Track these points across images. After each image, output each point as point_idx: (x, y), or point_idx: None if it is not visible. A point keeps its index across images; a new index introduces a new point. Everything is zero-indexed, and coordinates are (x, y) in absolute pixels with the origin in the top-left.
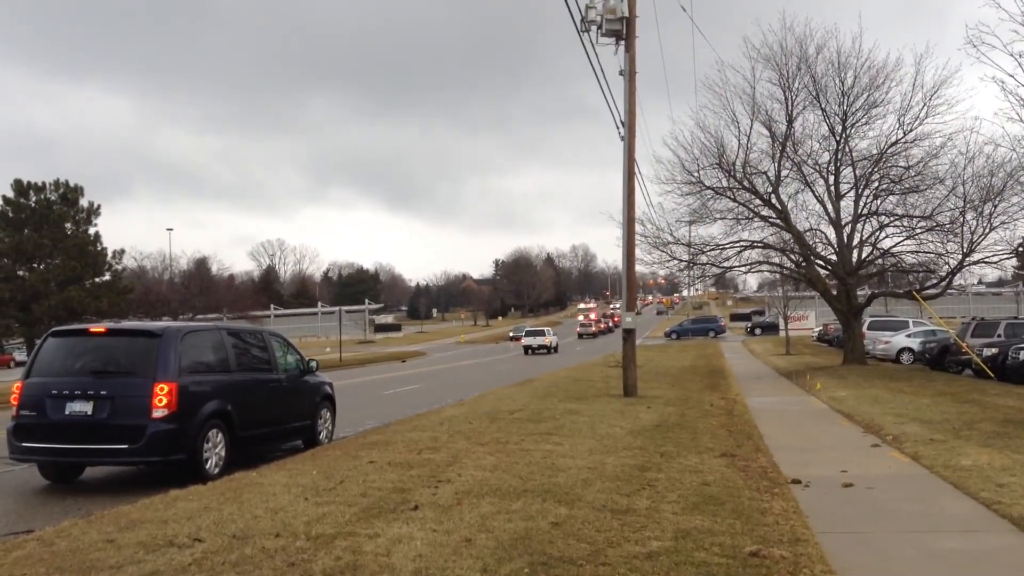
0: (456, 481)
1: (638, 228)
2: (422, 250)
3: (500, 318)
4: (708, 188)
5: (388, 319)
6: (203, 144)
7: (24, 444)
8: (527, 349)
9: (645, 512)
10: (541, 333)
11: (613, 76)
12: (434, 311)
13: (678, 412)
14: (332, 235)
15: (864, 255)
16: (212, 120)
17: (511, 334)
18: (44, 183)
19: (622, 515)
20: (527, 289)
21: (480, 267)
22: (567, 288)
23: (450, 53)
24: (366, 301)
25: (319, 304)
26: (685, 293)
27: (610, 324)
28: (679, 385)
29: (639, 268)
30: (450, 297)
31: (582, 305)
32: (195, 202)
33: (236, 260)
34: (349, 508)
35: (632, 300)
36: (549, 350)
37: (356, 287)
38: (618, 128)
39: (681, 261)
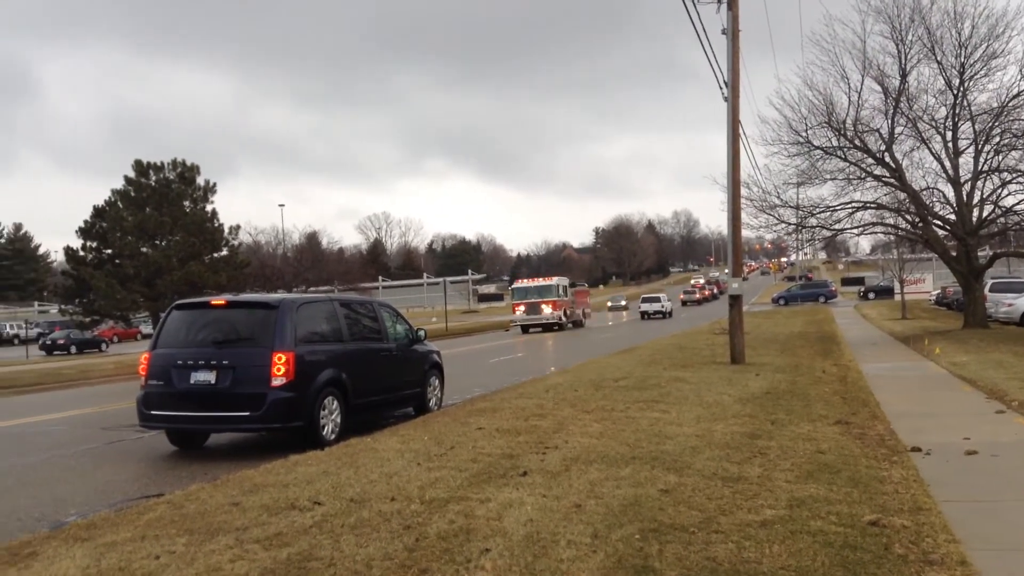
0: (563, 448)
1: (743, 191)
2: (521, 220)
3: (601, 286)
4: (817, 148)
5: (491, 289)
6: (301, 120)
7: (152, 412)
8: (643, 314)
9: (757, 480)
10: (657, 299)
11: (715, 36)
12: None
13: (788, 379)
14: (431, 207)
15: (985, 214)
16: (309, 96)
17: (609, 304)
18: (162, 163)
19: (733, 483)
20: (628, 257)
21: (580, 235)
22: (669, 255)
23: (538, 18)
24: (469, 272)
25: (424, 275)
26: (793, 257)
27: (715, 291)
28: (789, 352)
29: (745, 233)
30: (551, 266)
31: (694, 279)
32: (298, 177)
33: (344, 233)
34: (460, 473)
35: (738, 265)
36: (664, 315)
37: (459, 258)
38: (721, 89)
39: (789, 224)
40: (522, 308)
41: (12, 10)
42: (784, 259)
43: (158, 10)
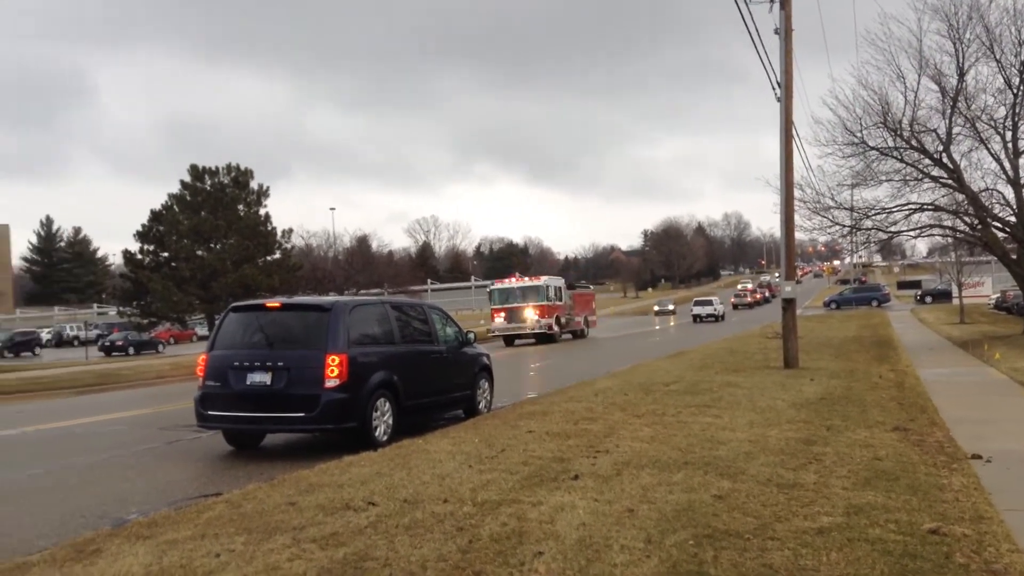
0: (614, 452)
1: (797, 193)
2: (568, 223)
3: (650, 289)
4: (872, 149)
5: None
6: (352, 124)
7: (210, 412)
8: (696, 317)
9: (813, 487)
10: (709, 302)
11: (767, 35)
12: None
13: (844, 384)
14: (479, 210)
15: None
16: (360, 100)
17: (656, 308)
18: (217, 167)
19: (789, 489)
20: (677, 259)
21: (628, 238)
22: (719, 258)
23: (587, 20)
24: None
25: (472, 278)
26: (848, 260)
27: (766, 294)
28: (843, 356)
29: (798, 235)
30: (598, 269)
31: (741, 283)
32: (349, 181)
33: (394, 237)
34: (511, 476)
35: (791, 268)
36: (717, 318)
37: (506, 260)
38: (774, 89)
39: (843, 227)
40: (502, 315)
41: (71, 19)
42: (837, 262)
43: (211, 18)
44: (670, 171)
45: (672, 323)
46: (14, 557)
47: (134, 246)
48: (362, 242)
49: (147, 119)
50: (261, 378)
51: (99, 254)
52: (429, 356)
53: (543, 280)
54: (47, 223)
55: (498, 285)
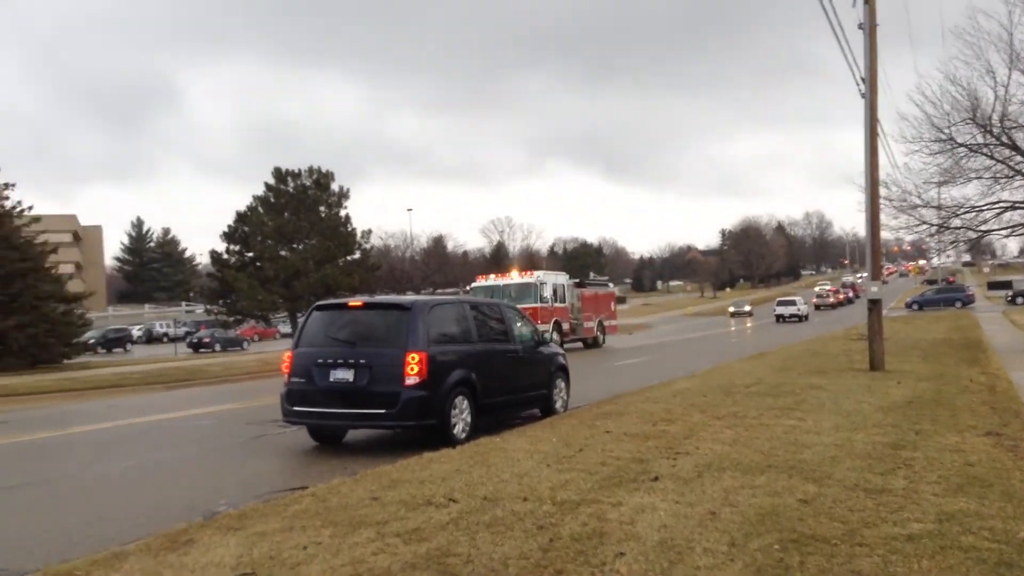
0: (695, 454)
1: (882, 191)
2: (643, 222)
3: (728, 289)
4: (961, 145)
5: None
6: (428, 126)
7: (295, 408)
8: (779, 317)
9: (902, 492)
10: (792, 302)
11: (850, 30)
12: (659, 283)
13: (932, 388)
14: (553, 209)
15: None
16: (436, 102)
17: (731, 309)
18: (299, 170)
19: (876, 495)
20: (756, 259)
21: (705, 237)
22: (800, 257)
23: (663, 17)
24: (591, 274)
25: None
26: (935, 260)
27: (849, 295)
28: (932, 359)
29: (883, 234)
30: (674, 269)
31: (819, 285)
32: (425, 182)
33: (469, 237)
34: (590, 476)
35: (877, 268)
36: (800, 318)
37: (580, 260)
38: (858, 85)
39: (931, 225)
40: None
41: (160, 27)
42: (923, 261)
43: (295, 26)
44: (749, 169)
45: (748, 325)
46: (111, 547)
47: (220, 246)
48: (438, 242)
49: (233, 123)
50: (344, 375)
51: (187, 254)
52: (506, 355)
53: (537, 276)
54: (138, 224)
55: (480, 282)
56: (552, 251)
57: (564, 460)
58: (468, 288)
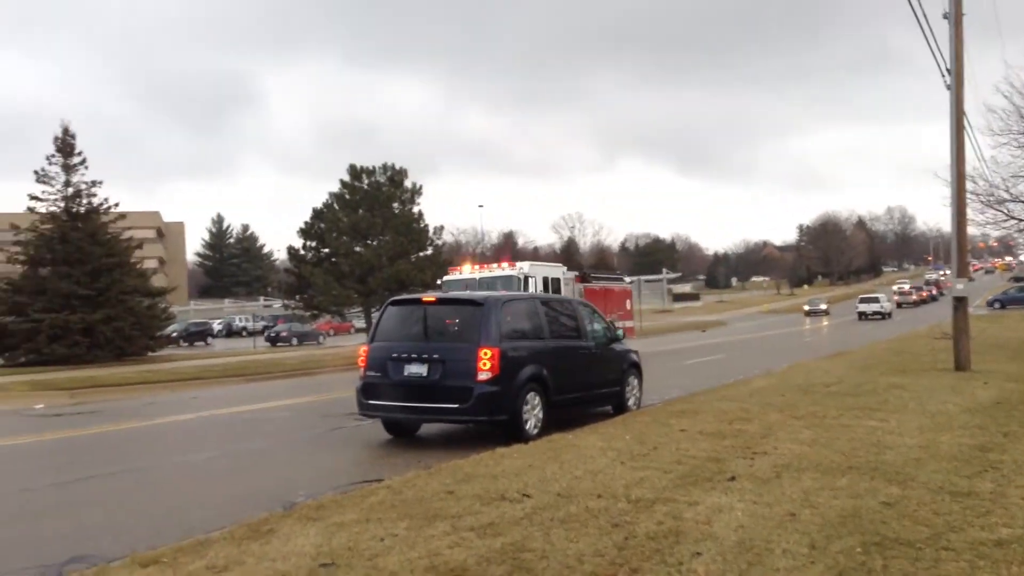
0: (772, 454)
1: (968, 185)
2: (717, 218)
3: (806, 286)
4: None
5: (686, 288)
6: (499, 122)
7: (371, 402)
8: (861, 315)
9: (989, 496)
10: (875, 299)
11: (935, 20)
12: (733, 280)
13: (1021, 389)
14: (625, 205)
15: None
16: (507, 98)
17: (806, 308)
18: (374, 167)
19: (963, 498)
20: (835, 255)
21: (782, 233)
22: (881, 253)
23: (738, 10)
24: (663, 271)
25: (617, 274)
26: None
27: (932, 292)
28: (1020, 358)
29: (969, 230)
30: (749, 265)
31: (899, 283)
32: (496, 178)
33: (539, 233)
34: (665, 474)
35: (963, 265)
36: (883, 315)
37: (653, 256)
38: (943, 76)
39: (1020, 220)
40: None
41: (239, 30)
42: (1010, 258)
43: (369, 25)
44: (828, 163)
45: (825, 324)
46: (196, 534)
47: (297, 242)
48: (508, 238)
49: (309, 122)
50: (418, 370)
51: (265, 249)
52: (578, 352)
53: (521, 268)
54: (218, 221)
55: (453, 275)
56: (624, 247)
57: (638, 458)
58: (440, 282)
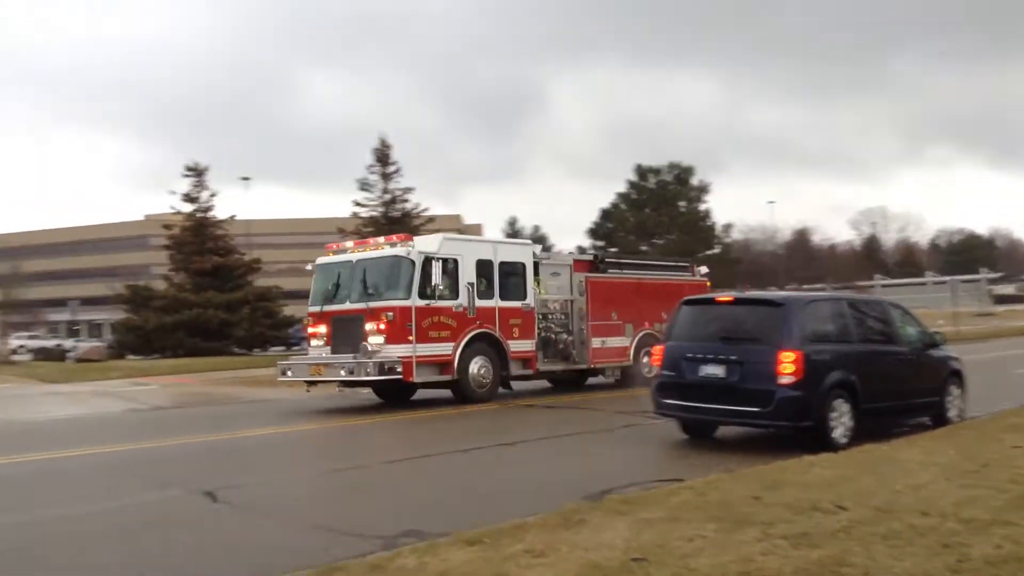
0: None
1: None
2: None
3: None
4: None
5: (1009, 289)
6: (790, 114)
7: (665, 401)
8: None
9: None
10: None
11: None
12: None
13: None
14: (934, 199)
15: None
16: (798, 90)
17: None
18: (659, 166)
19: None
20: None
21: None
22: None
23: None
24: (981, 270)
25: (926, 273)
26: None
27: None
28: None
29: None
30: None
31: None
32: (787, 173)
33: (837, 229)
34: (1000, 494)
35: None
36: None
37: (967, 254)
38: None
39: None
40: (322, 331)
41: (531, 39)
42: None
43: (649, 24)
44: None
45: None
46: (513, 518)
47: (586, 242)
48: (802, 235)
49: (595, 124)
50: (714, 370)
51: (554, 249)
52: (890, 357)
53: (413, 246)
54: (512, 222)
55: (324, 259)
56: (934, 244)
57: (966, 475)
58: (309, 266)
